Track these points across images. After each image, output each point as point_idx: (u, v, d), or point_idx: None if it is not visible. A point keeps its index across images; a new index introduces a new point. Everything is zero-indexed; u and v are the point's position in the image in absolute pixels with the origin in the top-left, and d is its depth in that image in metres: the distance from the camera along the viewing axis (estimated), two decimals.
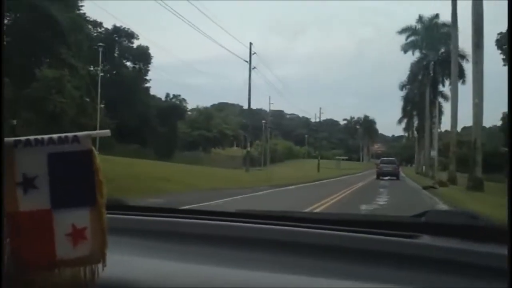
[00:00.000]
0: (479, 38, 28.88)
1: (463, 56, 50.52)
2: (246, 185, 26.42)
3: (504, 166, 36.00)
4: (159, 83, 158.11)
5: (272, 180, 31.66)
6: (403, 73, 73.29)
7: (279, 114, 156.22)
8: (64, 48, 48.84)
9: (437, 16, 60.90)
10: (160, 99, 74.23)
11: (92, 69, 60.59)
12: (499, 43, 50.34)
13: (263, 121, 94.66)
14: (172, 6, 71.62)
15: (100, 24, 64.69)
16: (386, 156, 71.71)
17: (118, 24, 64.96)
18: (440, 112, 61.37)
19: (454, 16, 39.06)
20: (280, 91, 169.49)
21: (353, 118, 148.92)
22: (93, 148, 1.06)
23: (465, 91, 40.33)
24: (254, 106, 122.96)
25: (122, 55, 65.55)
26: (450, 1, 39.38)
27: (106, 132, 1.12)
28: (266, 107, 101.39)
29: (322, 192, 23.88)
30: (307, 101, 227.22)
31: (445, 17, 57.43)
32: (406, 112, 75.24)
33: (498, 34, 50.73)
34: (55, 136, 1.06)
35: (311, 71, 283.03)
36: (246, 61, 51.08)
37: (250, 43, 51.83)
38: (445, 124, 64.01)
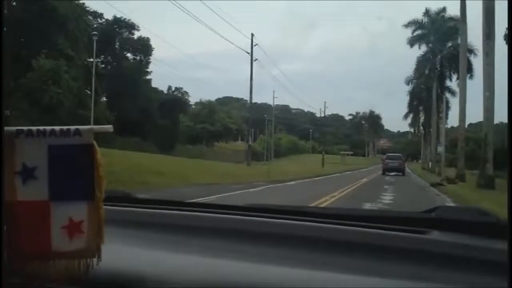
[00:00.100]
0: (490, 28, 27.54)
1: (470, 50, 49.20)
2: (244, 180, 25.42)
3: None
4: (163, 77, 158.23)
5: (273, 175, 30.55)
6: (410, 68, 71.91)
7: (285, 108, 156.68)
8: (62, 38, 47.85)
9: (444, 9, 59.81)
10: (162, 91, 73.02)
11: (91, 60, 59.83)
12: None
13: (265, 115, 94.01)
14: None
15: (100, 15, 63.61)
16: (392, 151, 72.19)
17: (118, 15, 63.78)
18: (447, 108, 60.04)
19: (463, 9, 37.70)
20: (286, 86, 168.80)
21: (359, 113, 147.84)
22: (95, 143, 1.07)
23: (472, 87, 39.34)
24: (259, 100, 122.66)
25: (122, 46, 64.35)
26: None
27: (109, 127, 1.10)
28: (271, 102, 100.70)
29: (323, 188, 22.86)
30: (313, 96, 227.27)
31: (453, 11, 56.60)
32: (412, 107, 74.03)
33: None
34: (57, 128, 1.06)
35: (317, 66, 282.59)
36: (248, 53, 49.68)
37: (252, 34, 50.78)
38: (451, 121, 62.85)
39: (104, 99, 61.92)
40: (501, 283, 1.12)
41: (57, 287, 1.12)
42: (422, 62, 60.65)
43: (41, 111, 41.08)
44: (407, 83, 69.25)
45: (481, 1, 28.14)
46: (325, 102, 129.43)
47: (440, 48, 57.94)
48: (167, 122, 66.08)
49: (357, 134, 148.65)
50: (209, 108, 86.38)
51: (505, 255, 1.17)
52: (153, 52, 65.55)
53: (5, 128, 1.04)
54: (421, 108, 73.12)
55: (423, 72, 61.90)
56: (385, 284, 1.16)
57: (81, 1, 54.69)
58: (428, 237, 1.39)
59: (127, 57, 65.21)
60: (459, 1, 38.07)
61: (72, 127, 1.05)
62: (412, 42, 59.07)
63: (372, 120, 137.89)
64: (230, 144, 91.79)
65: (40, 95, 42.48)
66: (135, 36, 64.82)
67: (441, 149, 49.85)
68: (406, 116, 76.15)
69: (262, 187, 22.10)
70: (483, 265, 1.20)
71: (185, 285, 1.16)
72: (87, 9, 57.77)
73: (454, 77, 56.36)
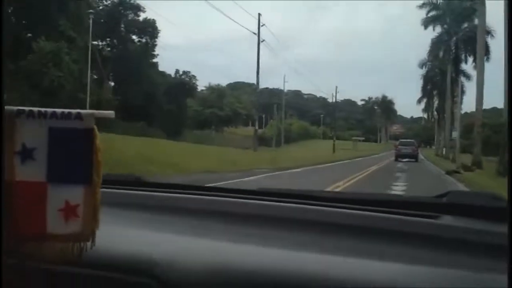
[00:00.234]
0: None
1: (488, 32, 47.09)
2: (247, 167, 23.94)
3: None
4: (173, 62, 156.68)
5: (279, 162, 29.10)
6: (424, 51, 70.05)
7: (296, 94, 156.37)
8: (64, 19, 46.34)
9: None
10: (169, 75, 71.43)
11: (95, 43, 58.80)
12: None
13: (276, 102, 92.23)
14: None
15: None
16: (405, 137, 72.48)
17: None
18: (462, 92, 58.08)
19: None
20: (298, 71, 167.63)
21: (371, 98, 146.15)
22: (95, 127, 1.07)
23: (486, 71, 37.40)
24: (271, 85, 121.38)
25: (128, 29, 62.71)
26: None
27: (110, 113, 1.11)
28: (283, 87, 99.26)
29: (329, 177, 21.42)
30: (325, 81, 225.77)
31: None
32: (426, 92, 72.46)
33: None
34: (58, 110, 1.07)
35: (330, 51, 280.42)
36: (255, 33, 47.92)
37: (259, 14, 48.87)
38: (465, 106, 61.22)
39: (112, 84, 61.24)
40: None
41: (52, 268, 1.14)
42: (436, 44, 58.31)
43: (41, 94, 39.78)
44: (421, 66, 67.65)
45: None
46: (336, 87, 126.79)
47: (456, 30, 55.66)
48: (174, 106, 64.60)
49: (369, 119, 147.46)
50: (218, 93, 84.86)
51: None
52: (164, 37, 64.17)
53: (6, 107, 1.04)
54: (435, 92, 71.59)
55: (438, 54, 59.83)
56: (396, 268, 1.17)
57: None
58: (439, 222, 1.40)
59: (132, 40, 63.56)
60: None
61: (74, 111, 1.06)
62: (426, 23, 56.72)
63: (385, 105, 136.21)
64: (239, 129, 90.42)
65: (40, 78, 41.30)
66: (141, 18, 63.01)
67: (455, 134, 48.07)
68: (419, 101, 75.01)
69: (262, 175, 20.58)
70: (495, 250, 1.20)
71: (198, 269, 1.17)
72: None
73: (470, 60, 54.29)
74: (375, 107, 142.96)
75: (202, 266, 1.17)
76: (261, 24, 48.87)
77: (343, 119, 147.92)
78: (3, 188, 1.04)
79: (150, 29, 62.73)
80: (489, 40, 48.17)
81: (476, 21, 45.37)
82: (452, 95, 57.11)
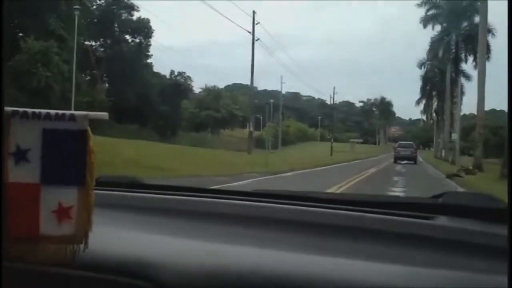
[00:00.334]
0: None
1: (488, 30, 46.01)
2: (237, 171, 22.88)
3: None
4: (170, 64, 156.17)
5: (272, 165, 27.88)
6: (423, 52, 69.03)
7: (295, 96, 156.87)
8: (54, 18, 45.19)
9: None
10: (164, 76, 70.36)
11: (89, 43, 57.80)
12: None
13: (271, 101, 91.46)
14: None
15: None
16: (403, 139, 72.08)
17: None
18: (462, 93, 57.04)
19: None
20: (296, 72, 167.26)
21: (370, 100, 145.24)
22: (89, 129, 1.07)
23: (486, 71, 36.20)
24: (269, 87, 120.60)
25: (121, 29, 61.56)
26: None
27: (104, 114, 1.11)
28: (280, 88, 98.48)
29: (321, 181, 20.44)
30: (323, 83, 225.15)
31: None
32: (425, 92, 71.69)
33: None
34: (52, 111, 1.07)
35: (328, 53, 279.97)
36: (249, 32, 46.78)
37: (253, 12, 47.63)
38: (465, 108, 60.32)
39: (106, 85, 60.22)
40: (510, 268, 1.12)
41: (44, 270, 1.14)
42: (435, 43, 57.30)
43: (29, 95, 38.58)
44: (420, 66, 67.01)
45: None
46: (334, 88, 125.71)
47: (456, 28, 54.55)
48: (169, 108, 63.39)
49: (367, 121, 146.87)
50: (214, 94, 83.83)
51: None
52: (161, 39, 63.08)
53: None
54: (434, 93, 70.80)
55: (437, 54, 58.65)
56: (391, 269, 1.17)
57: None
58: (435, 223, 1.41)
59: (126, 40, 62.41)
60: None
61: (67, 112, 1.06)
62: (425, 22, 55.77)
63: (383, 107, 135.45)
64: (236, 131, 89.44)
65: (28, 79, 39.98)
66: (134, 17, 61.85)
67: (455, 136, 47.39)
68: (418, 102, 74.41)
69: (251, 179, 19.48)
70: (491, 251, 1.21)
71: (193, 270, 1.17)
72: None
73: (470, 59, 53.16)
74: (374, 109, 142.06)
75: (197, 268, 1.17)
76: (256, 22, 47.57)
77: (341, 121, 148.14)
78: (3, 188, 1.03)
79: (144, 29, 61.59)
80: (490, 38, 47.15)
81: (477, 19, 44.48)
82: (451, 96, 56.36)
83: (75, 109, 40.66)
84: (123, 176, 2.07)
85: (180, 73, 72.02)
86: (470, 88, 56.92)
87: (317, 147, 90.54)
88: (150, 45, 63.36)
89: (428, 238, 1.31)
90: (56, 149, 1.05)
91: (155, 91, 62.25)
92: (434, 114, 77.38)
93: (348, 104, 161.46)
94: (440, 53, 57.35)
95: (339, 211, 1.51)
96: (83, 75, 56.29)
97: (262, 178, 20.75)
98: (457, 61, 55.35)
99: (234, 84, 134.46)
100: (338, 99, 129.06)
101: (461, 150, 48.49)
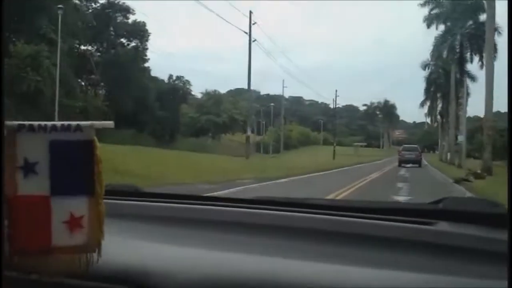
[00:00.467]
0: None
1: (494, 29, 44.52)
2: (228, 177, 21.40)
3: None
4: (171, 69, 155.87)
5: (269, 171, 26.50)
6: (426, 53, 67.70)
7: (297, 100, 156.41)
8: (45, 22, 43.89)
9: None
10: (162, 81, 69.10)
11: (85, 48, 56.83)
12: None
13: (272, 104, 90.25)
14: None
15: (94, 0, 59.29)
16: (407, 143, 72.87)
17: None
18: (467, 94, 55.55)
19: None
20: (299, 77, 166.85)
21: (373, 103, 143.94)
22: (95, 139, 1.08)
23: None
24: (272, 92, 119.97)
25: (117, 32, 60.26)
26: None
27: (110, 123, 1.11)
28: (285, 93, 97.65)
29: (319, 188, 19.01)
30: (326, 87, 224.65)
31: None
32: (429, 94, 70.30)
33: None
34: (58, 123, 1.08)
35: (331, 57, 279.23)
36: (246, 32, 45.33)
37: (250, 12, 46.03)
38: (470, 110, 58.96)
39: (103, 91, 59.12)
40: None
41: (56, 281, 1.13)
42: (439, 43, 55.74)
43: (17, 101, 37.19)
44: (424, 67, 65.51)
45: None
46: (336, 90, 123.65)
47: (460, 27, 52.98)
48: (166, 113, 62.17)
49: (371, 125, 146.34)
50: (215, 99, 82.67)
51: None
52: (164, 44, 61.89)
53: (6, 122, 1.05)
54: (438, 95, 69.18)
55: (441, 54, 57.17)
56: (392, 275, 1.18)
57: None
58: (435, 229, 1.41)
59: (122, 43, 61.12)
60: None
61: (73, 123, 1.07)
62: (429, 21, 54.25)
63: (387, 110, 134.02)
64: (237, 136, 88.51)
65: (17, 84, 38.60)
66: (130, 21, 60.60)
67: (461, 138, 45.93)
68: (422, 104, 73.14)
69: (242, 187, 17.93)
70: (491, 256, 1.21)
71: (192, 279, 1.18)
72: None
73: (476, 59, 51.49)
74: (377, 112, 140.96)
75: (198, 276, 1.17)
76: (252, 23, 46.02)
77: (344, 125, 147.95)
78: (6, 204, 1.05)
79: (140, 32, 60.30)
80: (496, 37, 45.62)
81: (482, 18, 43.11)
82: (456, 97, 54.99)
83: (66, 115, 39.60)
84: (124, 185, 2.04)
85: (178, 77, 70.91)
86: (474, 90, 55.52)
87: (320, 151, 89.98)
88: (147, 48, 62.21)
89: (429, 243, 1.31)
90: (64, 160, 1.06)
91: (153, 95, 61.03)
92: (438, 116, 75.93)
93: (352, 108, 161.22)
94: (445, 54, 55.87)
95: (340, 218, 1.51)
96: (79, 80, 55.48)
97: (254, 185, 19.21)
98: (462, 61, 53.67)
99: (237, 89, 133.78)
100: (342, 103, 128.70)
101: (467, 153, 47.37)
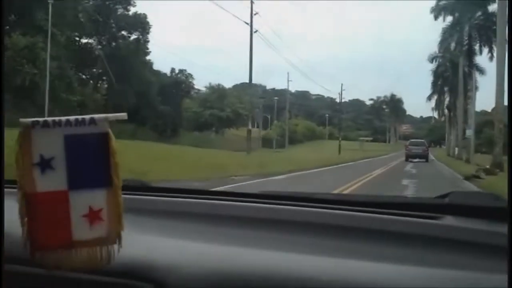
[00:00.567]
0: None
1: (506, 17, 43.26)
2: (222, 174, 20.26)
3: None
4: (175, 63, 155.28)
5: (269, 166, 25.38)
6: (434, 45, 66.53)
7: (304, 94, 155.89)
8: (43, 13, 42.82)
9: None
10: (165, 74, 67.96)
11: (87, 41, 56.02)
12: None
13: (275, 98, 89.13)
14: None
15: None
16: (414, 137, 72.29)
17: None
18: (475, 87, 54.15)
19: None
20: (305, 71, 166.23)
21: (380, 97, 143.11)
22: (110, 131, 1.09)
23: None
24: (278, 86, 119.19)
25: (118, 24, 59.10)
26: None
27: (123, 115, 1.12)
28: (290, 87, 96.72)
29: (316, 186, 17.58)
30: (333, 81, 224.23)
31: None
32: (436, 88, 69.28)
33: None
34: (72, 118, 1.09)
35: (337, 51, 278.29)
36: (247, 23, 44.13)
37: (251, 1, 44.69)
38: (478, 103, 57.73)
39: (105, 85, 58.29)
40: None
41: (78, 277, 1.16)
42: (447, 34, 54.30)
43: (13, 94, 36.16)
44: (431, 60, 64.37)
45: None
46: (342, 84, 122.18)
47: (469, 18, 51.45)
48: (169, 107, 61.04)
49: (377, 119, 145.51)
50: (219, 93, 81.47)
51: None
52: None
53: (21, 120, 1.06)
54: (446, 88, 68.26)
55: (449, 46, 55.79)
56: (398, 269, 1.18)
57: None
58: (441, 223, 1.42)
59: (124, 36, 59.98)
60: None
61: (87, 116, 1.07)
62: (436, 12, 52.81)
63: (394, 104, 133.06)
64: (241, 131, 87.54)
65: (12, 77, 37.53)
66: (131, 13, 59.36)
67: (470, 132, 44.50)
68: (429, 98, 72.37)
69: (231, 185, 16.69)
70: (497, 250, 1.21)
71: (198, 273, 1.19)
72: None
73: (485, 51, 50.08)
74: (384, 107, 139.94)
75: (204, 270, 1.19)
76: (254, 13, 44.93)
77: (351, 119, 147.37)
78: (25, 201, 1.07)
79: (141, 24, 59.13)
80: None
81: (491, 8, 41.88)
82: (465, 90, 53.84)
83: (64, 108, 38.45)
84: (130, 179, 1.93)
85: (181, 71, 69.68)
86: (482, 84, 54.44)
87: (325, 145, 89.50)
88: (148, 41, 61.00)
89: (435, 238, 1.32)
90: (80, 154, 1.07)
91: (155, 89, 60.00)
92: (446, 111, 75.21)
93: (359, 103, 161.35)
94: (452, 46, 54.53)
95: (346, 212, 1.52)
96: (79, 74, 54.62)
97: (247, 183, 17.98)
98: (470, 53, 52.31)
99: (242, 84, 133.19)
100: (348, 97, 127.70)
101: (474, 148, 46.24)
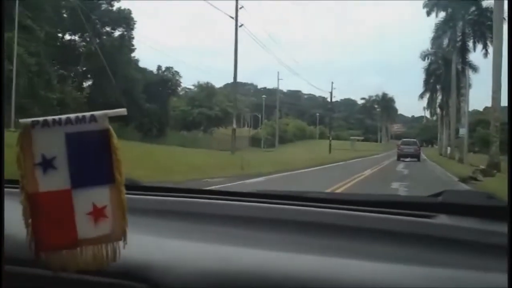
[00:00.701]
0: None
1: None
2: (197, 176, 19.03)
3: None
4: (165, 62, 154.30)
5: (252, 167, 24.22)
6: (426, 43, 65.65)
7: (296, 94, 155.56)
8: (20, 7, 41.16)
9: None
10: (151, 72, 66.26)
11: (70, 38, 54.44)
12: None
13: (263, 96, 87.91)
14: None
15: None
16: (406, 137, 73.19)
17: None
18: (468, 85, 52.92)
19: None
20: (297, 71, 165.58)
21: (371, 96, 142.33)
22: (110, 127, 1.09)
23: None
24: (269, 85, 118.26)
25: (102, 20, 57.42)
26: None
27: (123, 111, 1.12)
28: (282, 87, 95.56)
29: (299, 189, 15.53)
30: (325, 81, 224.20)
31: None
32: (428, 86, 68.54)
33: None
34: (72, 116, 1.09)
35: (329, 50, 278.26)
36: (232, 17, 42.53)
37: None
38: (470, 103, 56.61)
39: (89, 82, 56.82)
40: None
41: (73, 278, 1.14)
42: (440, 31, 53.10)
43: None
44: (423, 58, 63.81)
45: None
46: (332, 83, 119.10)
47: (462, 14, 50.21)
48: (155, 105, 59.43)
49: (369, 118, 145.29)
50: (207, 91, 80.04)
51: None
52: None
53: (21, 120, 1.06)
54: (438, 86, 67.59)
55: (441, 43, 54.73)
56: (391, 268, 1.18)
57: None
58: (435, 222, 1.42)
59: (108, 32, 58.32)
60: None
61: (87, 114, 1.07)
62: (429, 8, 51.61)
63: (385, 104, 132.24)
64: (230, 130, 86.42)
65: None
66: (115, 8, 57.68)
67: (463, 131, 43.28)
68: (421, 96, 71.53)
69: (210, 187, 14.99)
70: (491, 249, 1.23)
71: (193, 273, 1.19)
72: None
73: (479, 47, 48.97)
74: (375, 106, 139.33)
75: (199, 270, 1.18)
76: (239, 7, 43.18)
77: (342, 118, 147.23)
78: (28, 201, 1.06)
79: (125, 20, 57.47)
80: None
81: (485, 3, 40.64)
82: (457, 88, 52.74)
83: (43, 106, 36.80)
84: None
85: (167, 68, 68.05)
86: (474, 82, 53.26)
87: (316, 145, 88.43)
88: (133, 38, 59.25)
89: (428, 236, 1.32)
90: (82, 152, 1.06)
91: (140, 86, 58.16)
92: (438, 109, 74.94)
93: (350, 102, 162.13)
94: (445, 42, 53.44)
95: (339, 211, 1.52)
96: (61, 70, 53.10)
97: (218, 186, 16.21)
98: (464, 50, 51.19)
99: (233, 83, 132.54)
100: (340, 96, 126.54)
101: (468, 147, 45.10)
